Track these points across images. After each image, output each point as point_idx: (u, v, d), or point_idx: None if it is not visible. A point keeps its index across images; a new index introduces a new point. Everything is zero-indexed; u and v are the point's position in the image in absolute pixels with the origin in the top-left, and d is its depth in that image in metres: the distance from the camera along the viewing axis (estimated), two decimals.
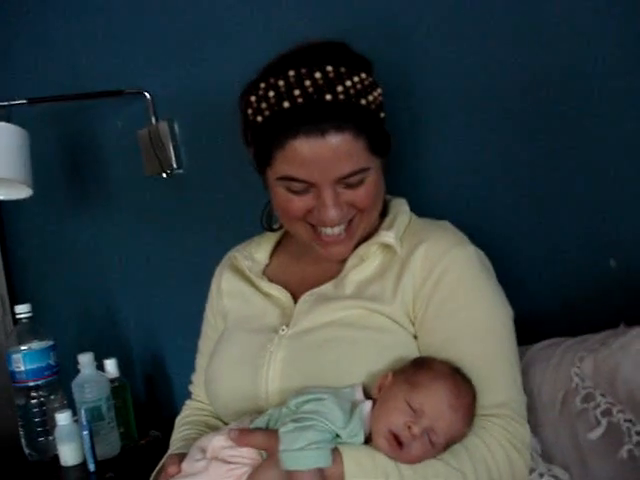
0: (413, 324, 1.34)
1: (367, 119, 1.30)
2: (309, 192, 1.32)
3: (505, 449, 1.24)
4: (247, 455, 1.19)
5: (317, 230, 1.37)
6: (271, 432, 1.18)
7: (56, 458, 2.09)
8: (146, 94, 2.27)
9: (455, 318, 1.30)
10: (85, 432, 1.98)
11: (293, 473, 1.11)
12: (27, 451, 2.20)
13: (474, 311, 1.31)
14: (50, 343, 2.18)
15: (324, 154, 1.26)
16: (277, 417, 1.21)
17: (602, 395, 1.23)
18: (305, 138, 1.26)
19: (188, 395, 1.67)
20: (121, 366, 2.23)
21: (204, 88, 2.15)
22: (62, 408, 2.14)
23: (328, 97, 1.26)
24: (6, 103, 2.09)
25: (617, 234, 1.42)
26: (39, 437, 2.18)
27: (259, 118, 1.31)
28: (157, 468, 1.40)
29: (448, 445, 1.20)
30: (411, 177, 1.69)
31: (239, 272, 1.55)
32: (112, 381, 2.16)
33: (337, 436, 1.16)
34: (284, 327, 1.38)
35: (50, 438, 2.16)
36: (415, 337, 1.33)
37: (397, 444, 1.15)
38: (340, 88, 1.27)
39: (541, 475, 1.33)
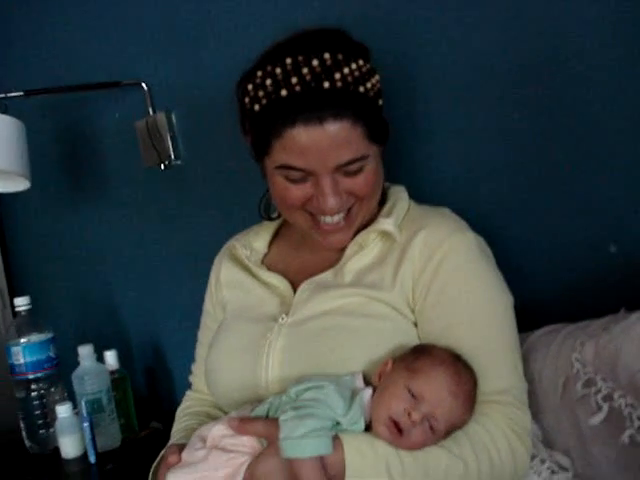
0: (413, 311, 1.33)
1: (365, 106, 1.29)
2: (307, 181, 1.31)
3: (507, 435, 1.24)
4: (247, 444, 1.18)
5: (316, 219, 1.37)
6: (271, 420, 1.18)
7: (57, 450, 2.07)
8: (143, 85, 2.26)
9: (455, 305, 1.30)
10: (85, 424, 1.98)
11: (293, 461, 1.11)
12: (28, 444, 2.19)
13: (474, 298, 1.30)
14: (49, 335, 2.17)
15: (322, 142, 1.25)
16: (277, 405, 1.21)
17: (603, 380, 1.22)
18: (303, 126, 1.25)
19: (188, 386, 1.67)
20: (121, 358, 2.22)
21: (201, 78, 2.13)
22: (62, 400, 2.13)
23: (326, 85, 1.25)
24: (2, 95, 2.07)
25: (617, 219, 1.42)
26: (39, 430, 2.17)
27: (256, 107, 1.30)
28: (158, 459, 1.40)
29: (449, 432, 1.20)
30: (410, 164, 1.69)
31: (238, 262, 1.55)
32: (112, 373, 2.15)
33: (337, 424, 1.16)
34: (284, 316, 1.38)
35: (51, 430, 2.15)
36: (415, 325, 1.33)
37: (397, 431, 1.15)
38: (338, 75, 1.26)
39: (542, 461, 1.33)
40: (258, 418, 1.22)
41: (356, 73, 1.28)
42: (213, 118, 2.10)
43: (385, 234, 1.38)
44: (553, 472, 1.32)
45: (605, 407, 1.22)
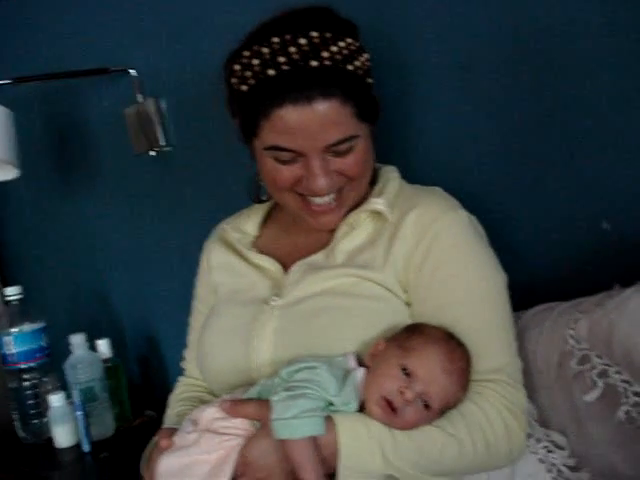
0: (405, 291, 1.32)
1: (354, 85, 1.28)
2: (297, 161, 1.30)
3: (501, 414, 1.23)
4: (240, 426, 1.17)
5: (306, 200, 1.35)
6: (263, 402, 1.16)
7: (50, 440, 2.08)
8: (132, 72, 2.24)
9: (448, 284, 1.29)
10: (79, 413, 1.97)
11: (286, 442, 1.10)
12: (21, 434, 2.18)
13: (467, 277, 1.29)
14: (41, 325, 2.16)
15: (311, 122, 1.24)
16: (269, 387, 1.19)
17: (598, 357, 1.21)
18: (291, 106, 1.23)
19: (181, 372, 1.66)
20: (115, 347, 2.22)
21: (191, 64, 2.12)
22: (55, 390, 2.12)
23: (314, 63, 1.23)
24: None
25: (610, 196, 1.41)
26: (33, 420, 2.17)
27: (244, 87, 1.29)
28: (150, 444, 1.39)
29: (443, 411, 1.19)
30: (402, 145, 1.68)
31: (228, 245, 1.53)
32: (105, 361, 2.14)
33: (330, 404, 1.15)
34: (275, 298, 1.37)
35: (44, 420, 2.15)
36: (408, 305, 1.32)
37: (391, 410, 1.14)
38: (326, 54, 1.24)
39: (538, 440, 1.32)
40: (250, 400, 1.20)
41: (344, 51, 1.26)
42: (203, 104, 2.08)
43: (376, 214, 1.37)
44: (549, 451, 1.32)
45: (600, 384, 1.21)
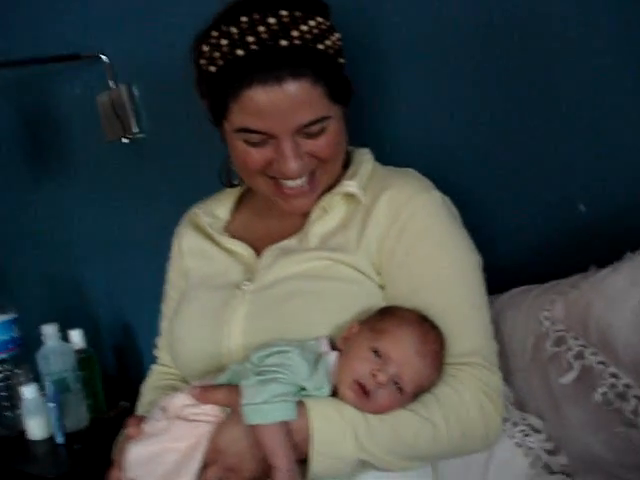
0: (379, 274, 1.30)
1: (325, 64, 1.25)
2: (268, 144, 1.27)
3: (477, 397, 1.21)
4: (210, 412, 1.15)
5: (278, 183, 1.33)
6: (233, 387, 1.14)
7: (23, 433, 2.05)
8: (104, 57, 2.21)
9: (422, 266, 1.27)
10: (52, 404, 1.95)
11: (256, 427, 1.08)
12: None
13: (441, 258, 1.27)
14: (13, 316, 2.14)
15: (281, 103, 1.22)
16: (240, 372, 1.17)
17: (574, 338, 1.20)
18: (261, 86, 1.21)
19: (153, 360, 1.63)
20: (88, 337, 2.20)
21: (163, 50, 2.09)
22: (28, 381, 2.10)
23: (283, 43, 1.21)
24: None
25: (586, 178, 1.39)
26: (5, 412, 2.14)
27: (212, 68, 1.26)
28: (121, 434, 1.36)
29: (417, 394, 1.17)
30: (374, 128, 1.65)
31: (200, 230, 1.51)
32: (78, 352, 2.12)
33: (302, 389, 1.12)
34: (246, 282, 1.34)
35: (17, 412, 2.12)
36: (382, 288, 1.30)
37: (363, 393, 1.12)
38: (295, 33, 1.22)
39: (515, 424, 1.31)
40: (220, 385, 1.18)
41: (315, 30, 1.24)
42: (175, 89, 2.04)
43: (350, 197, 1.35)
44: (526, 435, 1.30)
45: (576, 365, 1.19)
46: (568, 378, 1.20)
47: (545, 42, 1.39)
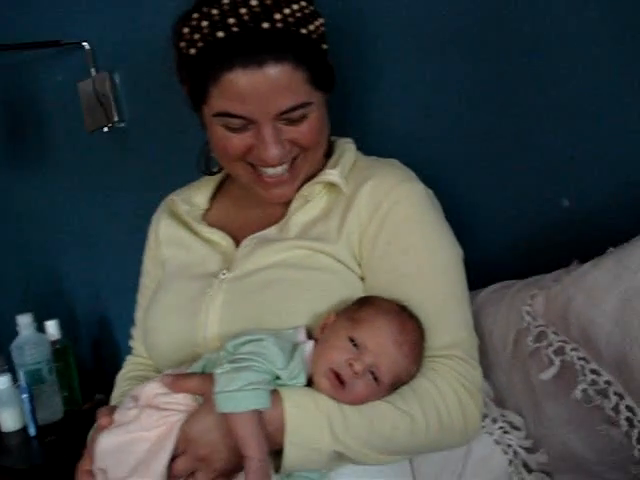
0: (359, 265, 1.28)
1: (307, 49, 1.23)
2: (248, 129, 1.25)
3: (456, 391, 1.18)
4: (182, 401, 1.12)
5: (258, 171, 1.31)
6: (207, 376, 1.11)
7: None
8: (85, 44, 2.19)
9: (402, 256, 1.25)
10: (25, 395, 1.92)
11: (229, 416, 1.05)
12: None
13: (422, 249, 1.25)
14: None
15: (262, 87, 1.19)
16: (214, 361, 1.14)
17: (555, 333, 1.18)
18: (241, 70, 1.18)
19: (129, 350, 1.60)
20: (65, 328, 2.17)
21: (145, 37, 2.04)
22: (1, 372, 2.07)
23: (265, 25, 1.19)
24: None
25: (570, 173, 1.38)
26: None
27: (192, 51, 1.24)
28: (94, 426, 1.33)
29: (395, 386, 1.15)
30: (357, 117, 1.64)
31: (177, 218, 1.48)
32: (54, 343, 2.10)
33: (277, 378, 1.10)
34: (224, 271, 1.32)
35: None
36: (362, 279, 1.28)
37: (339, 383, 1.10)
38: (278, 16, 1.19)
39: (494, 421, 1.29)
40: (193, 374, 1.16)
41: (298, 14, 1.22)
42: (157, 77, 2.00)
43: (331, 186, 1.33)
44: (505, 432, 1.28)
45: (557, 361, 1.17)
46: (548, 374, 1.18)
47: (530, 34, 1.38)
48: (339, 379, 1.10)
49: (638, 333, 1.05)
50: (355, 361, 1.09)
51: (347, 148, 1.39)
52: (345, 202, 1.30)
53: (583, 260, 1.22)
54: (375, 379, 1.11)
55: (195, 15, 1.23)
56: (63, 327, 2.16)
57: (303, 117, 1.25)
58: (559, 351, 1.16)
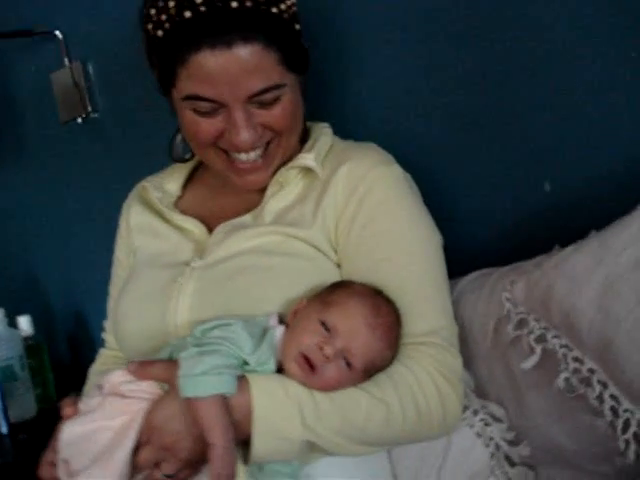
0: (336, 251, 1.24)
1: (278, 29, 1.20)
2: (219, 113, 1.22)
3: (434, 379, 1.14)
4: (147, 389, 1.08)
5: (231, 157, 1.27)
6: (173, 362, 1.07)
7: None
8: (58, 34, 2.14)
9: (380, 241, 1.21)
10: None
11: (193, 401, 1.00)
12: None
13: (399, 233, 1.22)
14: None
15: (231, 68, 1.16)
16: (181, 347, 1.10)
17: (536, 320, 1.13)
18: (210, 51, 1.15)
19: (101, 343, 1.57)
20: (39, 324, 2.14)
21: (118, 26, 1.99)
22: None
23: (234, 4, 1.15)
24: None
25: (552, 157, 1.34)
26: None
27: (159, 32, 1.20)
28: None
29: (369, 372, 1.11)
30: (335, 101, 1.60)
31: (148, 205, 1.44)
32: (27, 339, 2.06)
33: (245, 364, 1.06)
34: (196, 259, 1.28)
35: None
36: (338, 266, 1.24)
37: (309, 367, 1.06)
38: None
39: (475, 412, 1.26)
40: (158, 360, 1.12)
41: None
42: (131, 67, 1.98)
43: (307, 171, 1.30)
44: (487, 424, 1.24)
45: (538, 349, 1.12)
46: (529, 363, 1.14)
47: (511, 18, 1.34)
48: (309, 363, 1.06)
49: (621, 318, 1.01)
50: (326, 344, 1.06)
51: (323, 132, 1.36)
52: (321, 186, 1.27)
53: (565, 246, 1.18)
54: (347, 364, 1.07)
55: None
56: (37, 323, 2.11)
57: (276, 100, 1.22)
58: (540, 339, 1.12)
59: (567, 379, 1.09)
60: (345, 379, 1.08)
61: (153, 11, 1.20)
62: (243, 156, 1.26)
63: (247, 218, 1.30)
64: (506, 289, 1.18)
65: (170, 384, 1.06)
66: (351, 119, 1.57)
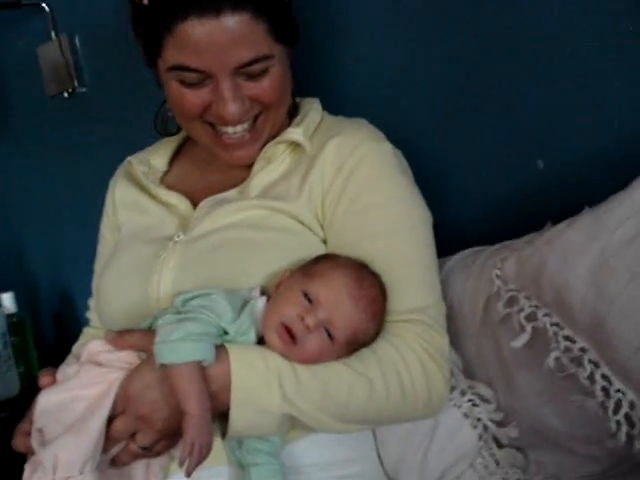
0: (322, 227, 1.22)
1: None
2: (205, 85, 1.19)
3: (420, 357, 1.12)
4: (125, 359, 1.06)
5: (218, 131, 1.25)
6: (151, 331, 1.05)
7: None
8: (45, 6, 2.11)
9: (367, 216, 1.19)
10: None
11: (168, 368, 0.98)
12: None
13: (388, 208, 1.20)
14: None
15: (219, 37, 1.13)
16: (161, 317, 1.07)
17: (527, 298, 1.10)
18: (197, 19, 1.12)
19: (86, 322, 1.55)
20: (24, 303, 2.12)
21: None
22: None
23: None
24: None
25: (545, 132, 1.31)
26: None
27: (145, 0, 1.17)
28: None
29: (351, 346, 1.08)
30: (325, 77, 1.58)
31: (134, 180, 1.42)
32: (10, 317, 2.03)
33: (225, 334, 1.04)
34: (179, 233, 1.26)
35: None
36: (324, 242, 1.22)
37: (290, 338, 1.04)
38: None
39: (463, 393, 1.23)
40: (136, 329, 1.09)
41: None
42: (119, 41, 1.93)
43: (295, 146, 1.27)
44: (474, 405, 1.22)
45: (529, 328, 1.09)
46: (519, 341, 1.10)
47: None
48: (290, 334, 1.04)
49: (615, 296, 0.99)
50: (307, 315, 1.04)
51: (313, 108, 1.34)
52: (308, 161, 1.24)
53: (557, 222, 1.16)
54: (329, 336, 1.05)
55: None
56: (21, 300, 2.10)
57: (264, 72, 1.19)
58: (531, 317, 1.09)
59: (558, 358, 1.06)
60: (327, 352, 1.06)
61: None
62: (230, 129, 1.23)
63: (232, 193, 1.28)
64: (496, 266, 1.15)
65: (148, 353, 1.04)
66: (340, 95, 1.54)
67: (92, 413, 1.01)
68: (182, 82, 1.19)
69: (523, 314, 1.10)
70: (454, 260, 1.30)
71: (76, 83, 2.11)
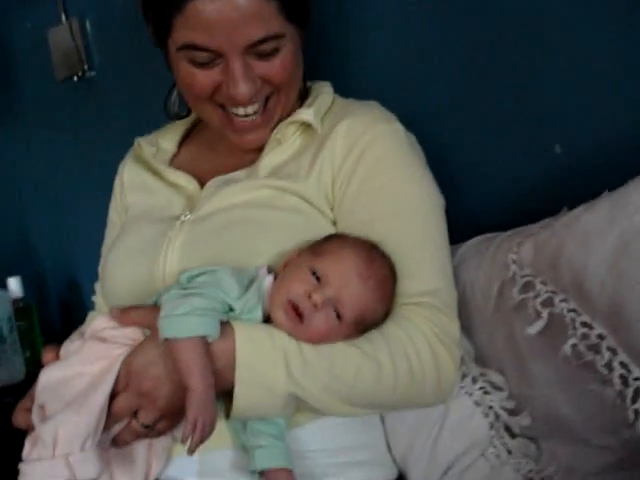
0: (332, 208, 1.20)
1: None
2: (216, 64, 1.18)
3: (429, 341, 1.10)
4: (130, 335, 1.05)
5: (228, 113, 1.23)
6: (156, 307, 1.03)
7: None
8: None
9: (378, 197, 1.17)
10: None
11: (172, 343, 0.96)
12: None
13: (400, 191, 1.17)
14: None
15: (230, 15, 1.12)
16: (166, 293, 1.06)
17: (543, 283, 1.08)
18: None
19: (92, 306, 1.53)
20: (31, 288, 2.11)
21: None
22: None
23: None
24: None
25: (563, 117, 1.30)
26: None
27: None
28: None
29: (359, 326, 1.06)
30: (340, 60, 1.56)
31: (143, 162, 1.40)
32: (16, 301, 2.02)
33: (231, 310, 1.02)
34: (187, 212, 1.24)
35: None
36: (334, 223, 1.20)
37: (296, 315, 1.02)
38: None
39: (474, 380, 1.21)
40: (141, 305, 1.08)
41: None
42: (129, 25, 1.92)
43: (306, 127, 1.26)
44: (486, 392, 1.20)
45: (545, 314, 1.07)
46: (535, 328, 1.08)
47: None
48: (297, 312, 1.02)
49: (636, 281, 0.96)
50: (315, 292, 1.02)
51: (324, 91, 1.32)
52: (319, 141, 1.23)
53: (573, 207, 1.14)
54: (337, 315, 1.03)
55: None
56: (28, 285, 2.08)
57: (275, 51, 1.18)
58: (547, 302, 1.07)
59: (574, 345, 1.04)
60: (334, 331, 1.04)
61: None
62: (241, 110, 1.22)
63: (240, 173, 1.26)
64: (512, 250, 1.13)
65: (152, 329, 1.02)
66: (352, 79, 1.53)
67: (94, 389, 1.00)
68: (192, 62, 1.18)
69: (539, 300, 1.08)
70: (466, 247, 1.27)
71: (86, 67, 2.09)
